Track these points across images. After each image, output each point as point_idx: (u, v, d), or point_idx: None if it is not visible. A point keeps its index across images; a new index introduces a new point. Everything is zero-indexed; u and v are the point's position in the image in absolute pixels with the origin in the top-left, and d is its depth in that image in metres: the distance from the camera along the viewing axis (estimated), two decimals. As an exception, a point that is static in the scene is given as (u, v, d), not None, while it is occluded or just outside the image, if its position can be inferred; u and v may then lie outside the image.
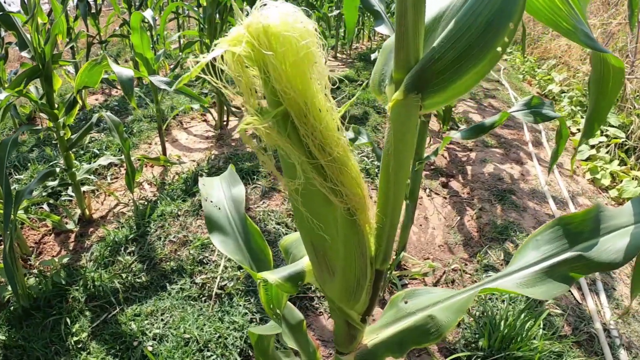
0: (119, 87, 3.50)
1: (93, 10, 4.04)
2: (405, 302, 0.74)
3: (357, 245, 0.52)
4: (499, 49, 0.41)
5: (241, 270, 2.03)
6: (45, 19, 1.87)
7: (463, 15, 0.42)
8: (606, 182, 3.30)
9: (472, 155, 3.40)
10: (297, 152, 0.42)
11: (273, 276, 0.62)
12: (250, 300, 1.89)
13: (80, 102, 2.93)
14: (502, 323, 1.75)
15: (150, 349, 1.67)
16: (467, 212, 2.69)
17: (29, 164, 2.80)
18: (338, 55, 6.26)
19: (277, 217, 2.37)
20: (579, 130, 4.10)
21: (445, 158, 3.34)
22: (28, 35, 1.86)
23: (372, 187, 2.80)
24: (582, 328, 1.97)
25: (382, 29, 1.73)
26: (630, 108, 3.76)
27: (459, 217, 2.62)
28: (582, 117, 4.19)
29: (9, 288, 1.82)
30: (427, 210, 2.69)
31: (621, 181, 3.23)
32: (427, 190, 2.85)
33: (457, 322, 0.64)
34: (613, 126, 3.78)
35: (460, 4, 0.45)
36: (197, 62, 0.41)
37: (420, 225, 2.55)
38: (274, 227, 2.31)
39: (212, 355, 1.65)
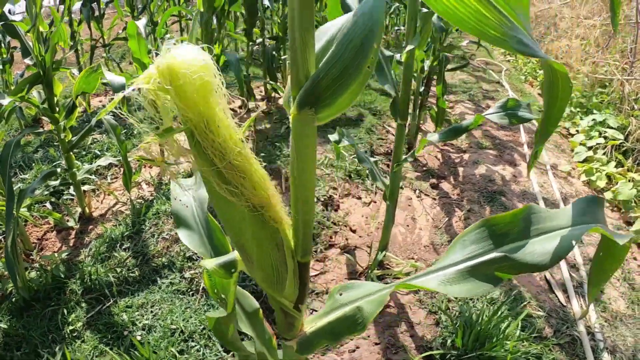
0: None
1: (97, 14, 4.19)
2: (340, 294, 0.81)
3: (267, 238, 0.60)
4: (369, 67, 0.47)
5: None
6: (46, 27, 1.99)
7: (341, 39, 0.49)
8: (602, 183, 3.28)
9: (466, 156, 3.42)
10: (200, 160, 0.51)
11: (210, 263, 0.70)
12: (235, 295, 1.98)
13: (83, 104, 3.07)
14: (478, 323, 1.78)
15: (139, 338, 1.77)
16: (456, 213, 2.73)
17: (33, 164, 2.95)
18: (339, 57, 6.31)
19: (265, 216, 2.45)
20: (577, 131, 4.08)
21: (438, 159, 3.37)
22: (30, 43, 1.99)
23: (362, 187, 2.86)
24: (564, 330, 1.97)
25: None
26: (629, 109, 3.72)
27: (446, 218, 2.66)
28: (581, 119, 4.15)
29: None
30: (415, 211, 2.73)
31: (617, 183, 3.20)
32: (417, 191, 2.90)
33: (377, 313, 0.71)
34: (612, 127, 3.74)
35: (346, 29, 0.52)
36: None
37: (408, 225, 2.60)
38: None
39: (195, 345, 1.75)
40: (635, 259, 2.69)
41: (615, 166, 3.39)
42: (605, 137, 3.69)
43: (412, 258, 2.36)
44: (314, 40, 0.50)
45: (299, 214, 0.60)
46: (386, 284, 2.42)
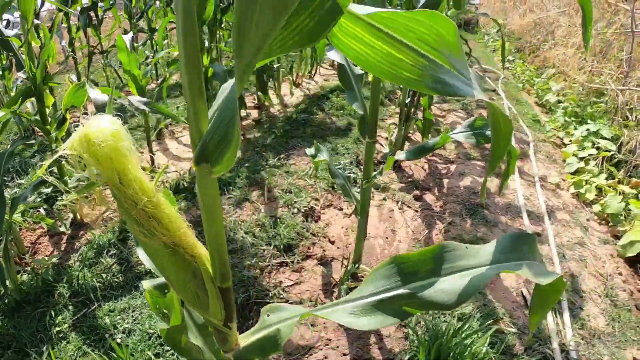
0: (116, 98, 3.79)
1: (94, 22, 4.33)
2: (268, 315, 0.88)
3: (183, 269, 0.69)
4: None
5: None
6: (38, 42, 2.11)
7: (222, 107, 0.57)
8: (591, 196, 3.25)
9: (452, 167, 3.45)
10: (120, 208, 0.61)
11: (147, 284, 0.79)
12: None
13: (80, 110, 3.19)
14: (443, 338, 1.80)
15: (118, 341, 1.88)
16: (437, 225, 2.76)
17: (30, 170, 3.09)
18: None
19: (246, 227, 2.53)
20: (570, 141, 4.06)
21: (425, 170, 3.41)
22: (23, 57, 2.11)
23: (344, 198, 2.91)
24: (536, 348, 1.95)
25: (333, 55, 1.83)
26: (621, 120, 3.70)
27: (427, 231, 2.70)
28: (575, 129, 4.13)
29: (7, 283, 2.07)
30: (396, 223, 2.78)
31: (606, 195, 3.18)
32: (399, 203, 2.94)
33: (289, 335, 0.77)
34: (605, 138, 3.72)
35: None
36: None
37: (387, 237, 2.65)
38: (242, 236, 2.48)
39: (170, 350, 1.84)
40: (620, 273, 2.67)
41: (606, 178, 3.36)
42: (598, 148, 3.66)
43: (389, 269, 2.41)
44: (205, 105, 0.58)
45: (212, 247, 0.68)
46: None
